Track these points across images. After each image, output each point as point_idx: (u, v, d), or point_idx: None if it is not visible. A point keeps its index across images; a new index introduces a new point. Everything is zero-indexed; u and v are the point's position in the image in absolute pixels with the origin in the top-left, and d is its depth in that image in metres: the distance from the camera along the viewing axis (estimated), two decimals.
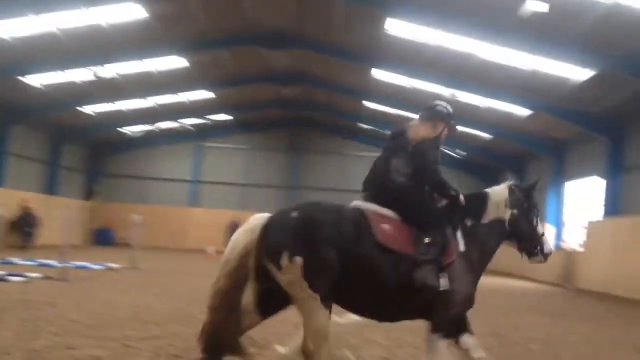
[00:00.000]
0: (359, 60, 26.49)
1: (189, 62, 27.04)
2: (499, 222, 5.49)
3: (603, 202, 23.99)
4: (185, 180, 41.15)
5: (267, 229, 4.80)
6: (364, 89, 30.54)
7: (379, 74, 27.70)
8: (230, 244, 4.94)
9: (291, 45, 26.34)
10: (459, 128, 32.42)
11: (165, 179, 40.99)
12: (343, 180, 40.81)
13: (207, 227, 37.82)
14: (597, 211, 24.81)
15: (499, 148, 34.17)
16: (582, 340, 9.93)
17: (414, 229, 5.04)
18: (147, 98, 31.71)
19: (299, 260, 4.57)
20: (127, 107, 32.92)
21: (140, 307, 10.70)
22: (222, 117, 38.25)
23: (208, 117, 37.67)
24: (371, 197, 5.33)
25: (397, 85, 28.39)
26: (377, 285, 4.81)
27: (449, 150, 37.63)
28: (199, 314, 10.17)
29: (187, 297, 12.73)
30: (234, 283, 4.76)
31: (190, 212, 40.46)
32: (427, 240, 4.96)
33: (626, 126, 23.29)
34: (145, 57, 25.90)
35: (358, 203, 5.28)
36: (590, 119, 23.81)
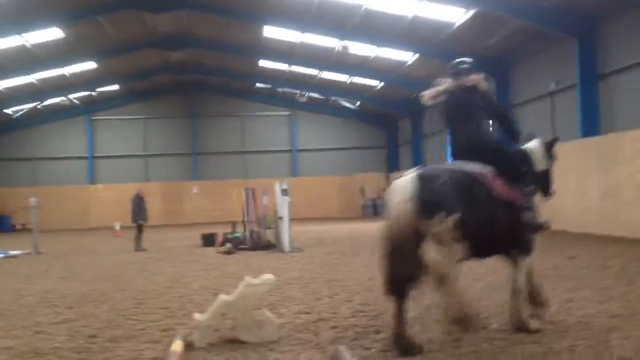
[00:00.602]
0: (248, 19, 26.08)
1: (64, 33, 25.57)
2: (544, 170, 6.61)
3: None
4: (80, 157, 39.50)
5: (419, 191, 5.36)
6: (257, 47, 30.17)
7: (270, 32, 27.42)
8: (390, 208, 5.54)
9: (173, 7, 25.38)
10: (351, 79, 32.99)
11: (58, 158, 39.18)
12: (243, 142, 40.59)
13: (110, 203, 36.68)
14: None
15: (392, 95, 34.88)
16: (489, 271, 10.43)
17: (511, 181, 5.93)
18: (27, 75, 29.94)
19: (448, 216, 5.25)
20: (6, 86, 31.03)
21: (48, 291, 10.31)
22: (111, 88, 36.79)
23: (95, 89, 36.13)
24: (470, 158, 5.92)
25: (289, 42, 28.30)
26: (495, 230, 5.69)
27: (343, 100, 38.17)
28: (112, 292, 9.97)
29: (97, 276, 12.39)
30: (400, 238, 5.36)
31: (90, 190, 39.04)
32: (526, 189, 6.08)
33: (509, 64, 24.27)
34: (20, 32, 24.33)
35: (464, 164, 5.85)
36: (473, 60, 24.56)
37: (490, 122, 6.40)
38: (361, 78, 32.52)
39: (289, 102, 39.57)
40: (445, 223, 5.24)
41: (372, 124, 41.11)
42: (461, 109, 6.21)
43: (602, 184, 17.09)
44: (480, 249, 5.67)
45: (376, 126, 41.29)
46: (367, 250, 15.68)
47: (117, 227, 27.50)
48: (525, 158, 6.47)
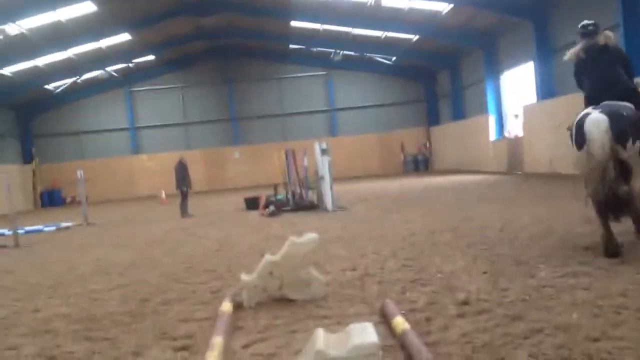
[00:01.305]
0: None
1: (97, 6, 25.75)
2: None
3: (536, 86, 24.57)
4: (122, 129, 40.13)
5: (611, 123, 6.42)
6: (288, 8, 29.91)
7: None
8: (591, 140, 6.51)
9: None
10: (386, 33, 32.47)
11: (101, 131, 39.88)
12: (281, 105, 40.58)
13: (155, 173, 37.36)
14: (533, 96, 25.40)
15: (429, 47, 34.27)
16: (535, 220, 10.32)
17: None
18: (64, 50, 30.32)
19: (634, 142, 6.48)
20: (44, 63, 31.52)
21: (100, 260, 10.59)
22: (147, 58, 37.06)
23: (132, 60, 36.42)
24: (610, 99, 6.85)
25: (321, 1, 27.96)
26: None
27: (378, 56, 37.68)
28: (162, 258, 10.19)
29: (146, 243, 12.66)
30: (604, 162, 6.36)
31: (134, 160, 39.74)
32: None
33: (548, 9, 23.53)
34: (54, 7, 24.60)
35: (618, 103, 6.81)
36: (509, 5, 23.95)
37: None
38: (395, 32, 31.99)
39: (324, 62, 39.26)
40: (633, 148, 6.46)
41: (409, 78, 40.58)
42: (600, 60, 7.19)
43: None
44: None
45: (414, 80, 40.74)
46: (409, 206, 15.64)
47: (163, 195, 27.99)
48: None
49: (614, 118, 6.49)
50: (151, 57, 37.08)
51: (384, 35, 33.12)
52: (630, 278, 5.68)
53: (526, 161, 24.85)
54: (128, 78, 39.22)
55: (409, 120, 40.91)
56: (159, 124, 40.27)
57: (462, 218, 11.69)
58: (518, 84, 28.08)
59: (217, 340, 4.63)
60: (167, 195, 27.57)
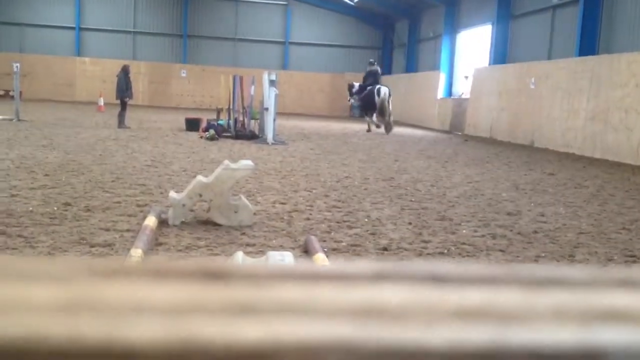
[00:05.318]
0: None
1: None
2: None
3: (490, 50, 24.80)
4: (67, 27, 38.36)
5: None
6: None
7: None
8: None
9: None
10: None
11: (45, 26, 38.02)
12: (236, 29, 39.61)
13: (96, 78, 36.14)
14: (485, 60, 25.63)
15: None
16: (466, 181, 10.57)
17: None
18: None
19: None
20: None
21: (27, 158, 10.28)
22: None
23: None
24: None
25: None
26: None
27: None
28: (91, 165, 9.97)
29: (77, 148, 12.33)
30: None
31: (76, 62, 38.22)
32: None
33: None
34: None
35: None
36: None
37: None
38: None
39: None
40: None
41: (369, 23, 40.17)
42: None
43: (592, 105, 17.05)
44: None
45: (373, 26, 40.37)
46: (348, 150, 15.73)
47: (101, 102, 27.16)
48: None
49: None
50: None
51: None
52: (544, 247, 5.92)
53: (468, 123, 25.25)
54: None
55: (362, 65, 40.67)
56: (106, 28, 38.67)
57: (397, 169, 11.85)
58: (473, 45, 28.23)
59: (137, 252, 4.60)
60: (105, 104, 26.80)
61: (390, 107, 22.77)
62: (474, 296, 0.41)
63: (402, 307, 0.40)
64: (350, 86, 24.98)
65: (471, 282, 0.43)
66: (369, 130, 23.05)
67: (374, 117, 22.82)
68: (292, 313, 0.39)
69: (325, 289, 0.42)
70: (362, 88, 24.00)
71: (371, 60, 26.59)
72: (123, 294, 0.40)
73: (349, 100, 26.79)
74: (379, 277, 0.42)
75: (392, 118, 22.82)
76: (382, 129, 22.33)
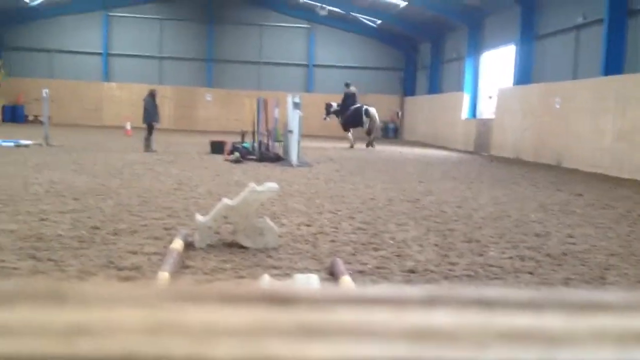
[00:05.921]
0: None
1: None
2: None
3: (514, 70, 24.73)
4: (95, 53, 39.14)
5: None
6: None
7: None
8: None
9: None
10: None
11: (74, 52, 38.83)
12: (260, 52, 40.03)
13: (123, 103, 36.71)
14: (509, 80, 25.55)
15: (415, 16, 34.02)
16: (492, 202, 10.49)
17: None
18: None
19: None
20: None
21: (56, 182, 10.43)
22: None
23: None
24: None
25: None
26: None
27: (363, 17, 37.36)
28: (119, 189, 10.09)
29: (105, 172, 12.51)
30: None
31: (104, 87, 38.91)
32: None
33: None
34: None
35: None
36: None
37: None
38: None
39: (308, 15, 38.66)
40: None
41: (391, 45, 40.36)
42: None
43: (618, 125, 16.87)
44: None
45: (395, 48, 40.54)
46: (373, 171, 15.72)
47: (128, 126, 27.57)
48: None
49: None
50: None
51: None
52: (574, 269, 5.84)
53: (493, 143, 25.13)
54: (107, 1, 38.11)
55: (385, 87, 40.81)
56: (133, 53, 39.37)
57: (422, 191, 11.81)
58: (497, 65, 28.17)
59: (163, 275, 4.64)
60: (132, 128, 27.17)
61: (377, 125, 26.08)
62: (519, 319, 0.43)
63: (453, 329, 0.42)
64: (329, 105, 27.41)
65: (516, 306, 0.44)
66: (351, 147, 24.99)
67: (350, 134, 25.53)
68: (352, 334, 0.42)
69: (381, 312, 0.44)
70: (343, 108, 26.27)
71: (347, 82, 28.08)
72: (200, 318, 0.44)
73: (325, 119, 28.38)
74: (430, 301, 0.45)
75: (374, 136, 26.16)
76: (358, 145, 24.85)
